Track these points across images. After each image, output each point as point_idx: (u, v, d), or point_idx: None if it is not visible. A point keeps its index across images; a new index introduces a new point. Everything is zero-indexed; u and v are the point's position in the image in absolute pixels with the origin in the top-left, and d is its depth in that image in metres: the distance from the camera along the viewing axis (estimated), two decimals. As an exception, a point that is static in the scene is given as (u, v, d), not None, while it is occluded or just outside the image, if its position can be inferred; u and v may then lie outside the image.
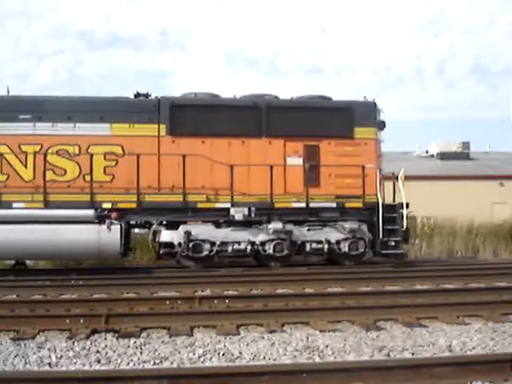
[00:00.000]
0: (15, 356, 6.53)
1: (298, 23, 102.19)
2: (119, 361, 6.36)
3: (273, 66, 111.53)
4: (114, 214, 14.51)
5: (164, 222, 15.23)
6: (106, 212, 14.62)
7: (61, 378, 5.40)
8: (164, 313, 8.82)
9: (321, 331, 7.82)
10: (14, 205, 14.43)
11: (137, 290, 11.53)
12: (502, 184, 40.14)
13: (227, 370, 5.60)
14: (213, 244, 15.09)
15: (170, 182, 15.10)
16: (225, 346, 7.02)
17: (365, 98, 16.52)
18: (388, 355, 6.56)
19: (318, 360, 6.39)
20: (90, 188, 14.72)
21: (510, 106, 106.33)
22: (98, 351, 6.75)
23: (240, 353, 6.66)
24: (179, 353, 6.65)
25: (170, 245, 15.12)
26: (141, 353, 6.68)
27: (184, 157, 14.91)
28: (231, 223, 15.26)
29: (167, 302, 9.74)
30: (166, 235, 15.07)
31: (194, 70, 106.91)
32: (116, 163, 15.03)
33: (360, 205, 15.78)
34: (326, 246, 15.45)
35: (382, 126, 16.58)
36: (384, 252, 15.80)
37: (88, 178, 14.74)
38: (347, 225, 15.54)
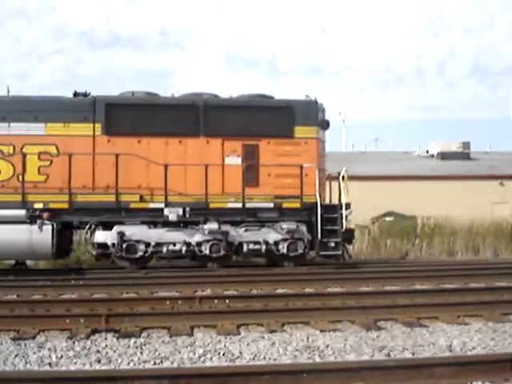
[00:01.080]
0: (15, 356, 6.54)
1: (297, 23, 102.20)
2: (119, 361, 6.36)
3: (272, 66, 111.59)
4: (45, 215, 14.27)
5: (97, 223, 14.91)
6: (38, 212, 14.38)
7: (61, 377, 5.40)
8: (164, 313, 8.83)
9: (321, 331, 7.82)
10: None
11: (137, 290, 11.54)
12: (503, 184, 40.17)
13: (227, 370, 5.60)
14: (147, 245, 14.81)
15: (104, 182, 14.84)
16: (225, 345, 7.03)
17: (307, 96, 16.15)
18: (388, 355, 6.57)
19: (318, 360, 6.39)
20: (22, 188, 14.52)
21: (510, 106, 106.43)
22: (98, 351, 6.76)
23: (240, 353, 6.66)
24: (179, 353, 6.65)
25: (105, 245, 14.81)
26: (141, 353, 6.68)
27: (117, 156, 14.67)
28: (167, 224, 14.94)
29: (167, 302, 9.74)
30: (99, 236, 14.77)
31: (193, 69, 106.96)
32: (50, 163, 14.77)
33: (298, 205, 15.44)
34: (263, 247, 15.12)
35: (324, 125, 16.27)
36: (322, 253, 15.54)
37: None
38: (285, 225, 15.21)
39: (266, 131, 15.62)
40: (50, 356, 6.52)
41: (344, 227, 15.46)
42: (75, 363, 6.28)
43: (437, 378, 5.41)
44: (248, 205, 15.28)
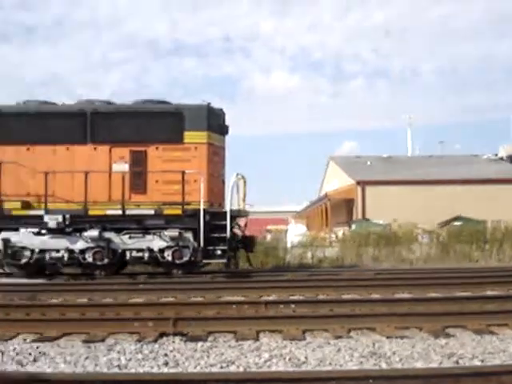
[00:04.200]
0: (86, 358, 6.69)
1: (361, 26, 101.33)
2: (186, 364, 6.44)
3: (338, 70, 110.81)
4: None
5: None
6: None
7: (130, 380, 5.50)
8: (230, 317, 8.87)
9: (387, 337, 7.73)
10: None
11: (203, 294, 11.66)
12: None
13: (293, 375, 5.59)
14: (32, 251, 14.99)
15: None
16: (290, 350, 7.01)
17: (203, 101, 15.85)
18: (457, 362, 6.44)
19: (384, 367, 6.33)
20: None
21: None
22: (165, 354, 6.85)
23: (306, 358, 6.64)
24: (245, 357, 6.68)
25: None
26: (208, 356, 6.74)
27: (0, 164, 15.08)
28: (51, 231, 15.02)
29: (234, 307, 9.80)
30: None
31: (258, 75, 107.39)
32: None
33: (179, 211, 15.22)
34: (146, 255, 15.03)
35: (222, 130, 16.11)
36: (206, 261, 15.43)
37: None
38: (167, 232, 15.00)
39: (155, 137, 15.64)
40: (119, 358, 6.65)
41: (228, 234, 15.03)
42: (143, 366, 6.39)
43: (506, 386, 5.28)
44: (128, 211, 15.18)
